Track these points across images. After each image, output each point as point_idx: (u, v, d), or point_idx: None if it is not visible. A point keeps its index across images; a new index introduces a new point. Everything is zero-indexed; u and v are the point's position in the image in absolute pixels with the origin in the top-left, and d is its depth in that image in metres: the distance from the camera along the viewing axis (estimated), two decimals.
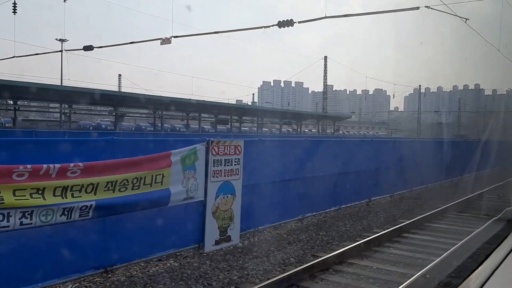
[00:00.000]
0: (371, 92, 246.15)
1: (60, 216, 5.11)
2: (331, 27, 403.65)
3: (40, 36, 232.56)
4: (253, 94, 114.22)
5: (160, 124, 48.93)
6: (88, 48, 26.93)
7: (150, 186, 6.16)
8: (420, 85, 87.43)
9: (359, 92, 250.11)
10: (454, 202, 12.15)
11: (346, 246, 7.79)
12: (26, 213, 4.84)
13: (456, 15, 13.79)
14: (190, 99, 45.65)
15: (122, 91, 66.59)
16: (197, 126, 52.00)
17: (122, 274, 6.31)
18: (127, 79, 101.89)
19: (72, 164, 5.22)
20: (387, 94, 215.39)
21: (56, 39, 60.21)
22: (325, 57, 70.28)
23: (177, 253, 7.24)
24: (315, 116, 70.43)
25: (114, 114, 41.88)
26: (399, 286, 4.75)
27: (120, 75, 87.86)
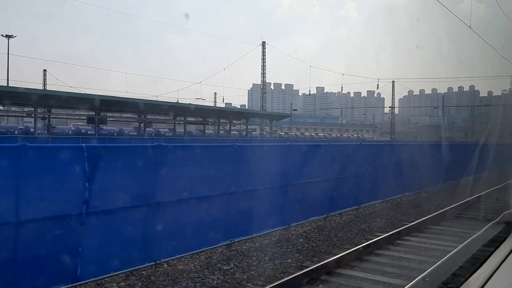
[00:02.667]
0: (364, 94, 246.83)
1: None
2: (327, 31, 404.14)
3: None
4: (215, 93, 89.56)
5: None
6: None
7: None
8: (393, 81, 74.68)
9: (352, 95, 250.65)
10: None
11: None
12: None
13: None
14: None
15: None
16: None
17: None
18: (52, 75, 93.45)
19: None
20: (381, 96, 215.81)
21: (2, 35, 53.25)
22: (263, 43, 57.70)
23: None
24: (244, 115, 54.61)
25: None
26: None
27: (45, 70, 68.29)
